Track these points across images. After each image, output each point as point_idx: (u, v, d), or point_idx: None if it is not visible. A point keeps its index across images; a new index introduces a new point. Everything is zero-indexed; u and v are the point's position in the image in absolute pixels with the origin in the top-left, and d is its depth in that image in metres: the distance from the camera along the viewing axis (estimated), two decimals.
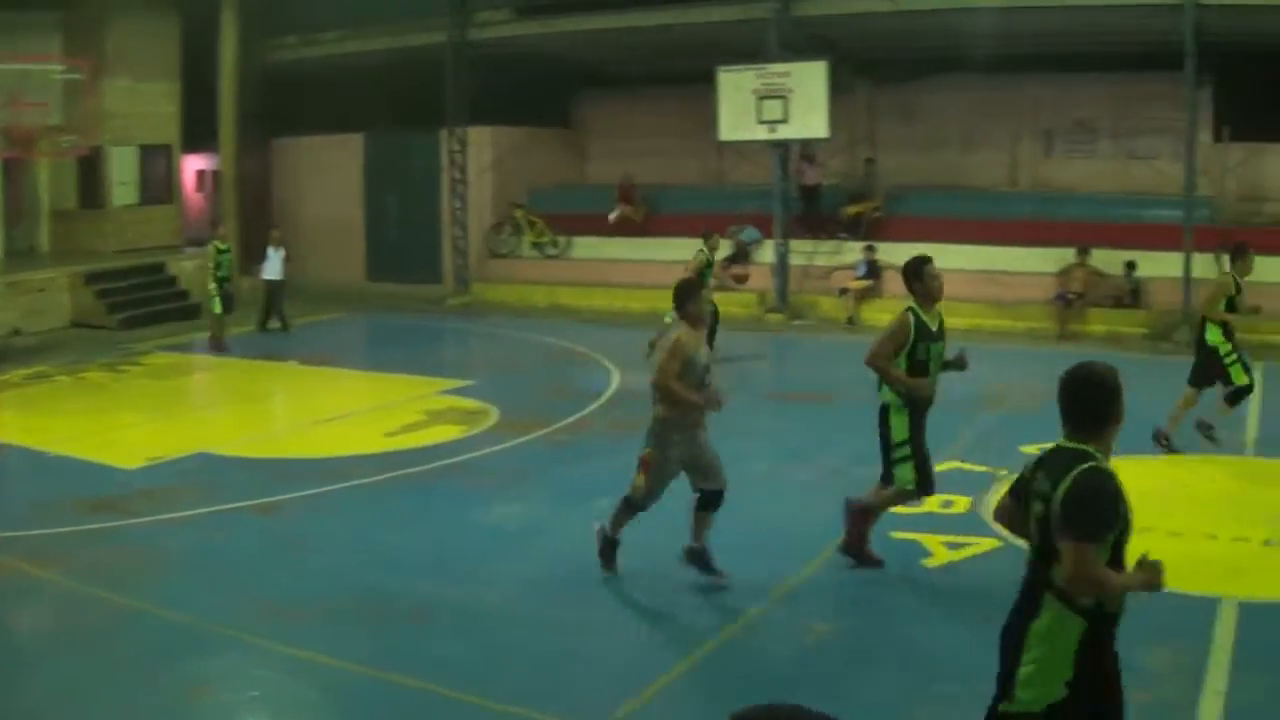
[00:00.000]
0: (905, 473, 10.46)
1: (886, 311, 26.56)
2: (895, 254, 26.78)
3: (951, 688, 8.03)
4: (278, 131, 34.88)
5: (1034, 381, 19.54)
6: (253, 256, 28.10)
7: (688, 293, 10.31)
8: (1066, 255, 26.27)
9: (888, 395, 10.50)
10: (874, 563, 10.58)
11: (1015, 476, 5.98)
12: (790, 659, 8.72)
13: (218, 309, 24.31)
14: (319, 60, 33.04)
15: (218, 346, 24.20)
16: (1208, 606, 9.50)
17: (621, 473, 11.59)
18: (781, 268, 28.32)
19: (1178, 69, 24.57)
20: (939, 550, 10.72)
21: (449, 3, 30.76)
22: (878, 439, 10.70)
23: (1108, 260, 26.16)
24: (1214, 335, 14.82)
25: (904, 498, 10.73)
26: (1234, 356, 14.72)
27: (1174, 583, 9.90)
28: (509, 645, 9.06)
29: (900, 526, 11.44)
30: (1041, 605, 5.61)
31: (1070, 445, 5.75)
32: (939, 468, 13.32)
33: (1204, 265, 24.57)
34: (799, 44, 27.18)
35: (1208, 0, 23.94)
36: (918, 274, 10.73)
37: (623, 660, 8.75)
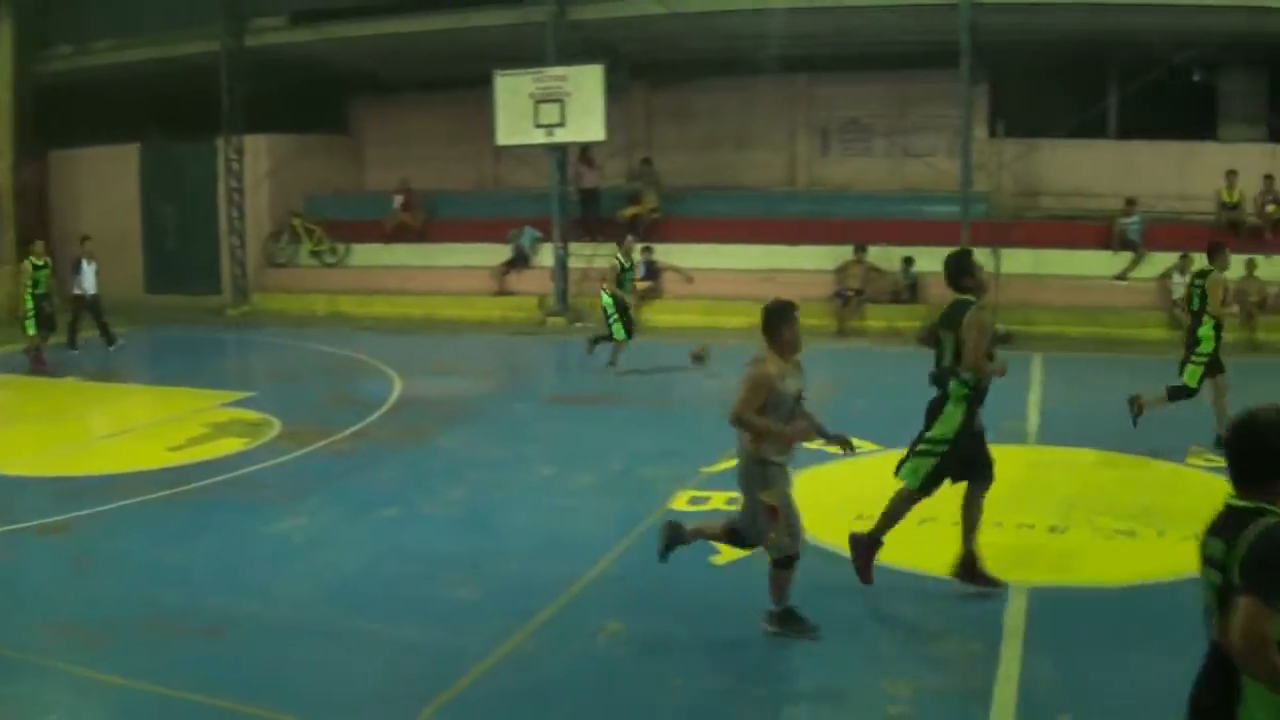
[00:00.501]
0: (918, 469, 9.97)
1: (667, 311, 26.84)
2: (674, 255, 27.04)
3: (733, 683, 8.06)
4: (55, 143, 33.92)
5: (814, 378, 19.83)
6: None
7: (781, 317, 9.21)
8: (844, 253, 26.69)
9: (955, 389, 9.97)
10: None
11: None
12: (583, 659, 8.67)
13: (31, 330, 23.33)
14: (94, 70, 32.14)
15: (37, 362, 23.24)
16: (997, 594, 9.62)
17: (406, 480, 11.42)
18: (561, 271, 28.35)
19: (953, 67, 25.13)
20: (726, 547, 10.74)
21: (223, 10, 30.16)
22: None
23: (885, 256, 26.66)
24: (1207, 331, 15.28)
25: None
26: (1203, 359, 15.21)
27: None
28: (302, 659, 8.85)
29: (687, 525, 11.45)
30: (1244, 692, 4.91)
31: (1241, 504, 5.05)
32: (720, 467, 13.50)
33: (980, 260, 25.01)
34: (576, 48, 27.23)
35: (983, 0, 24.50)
36: None
37: (416, 669, 8.59)
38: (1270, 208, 26.63)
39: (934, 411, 10.06)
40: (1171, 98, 26.86)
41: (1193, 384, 15.34)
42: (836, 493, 12.93)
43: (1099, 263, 26.82)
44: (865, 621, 9.30)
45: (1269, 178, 26.89)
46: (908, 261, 26.39)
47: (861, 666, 8.42)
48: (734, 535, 9.27)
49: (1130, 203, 26.82)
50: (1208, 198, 27.22)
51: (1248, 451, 5.05)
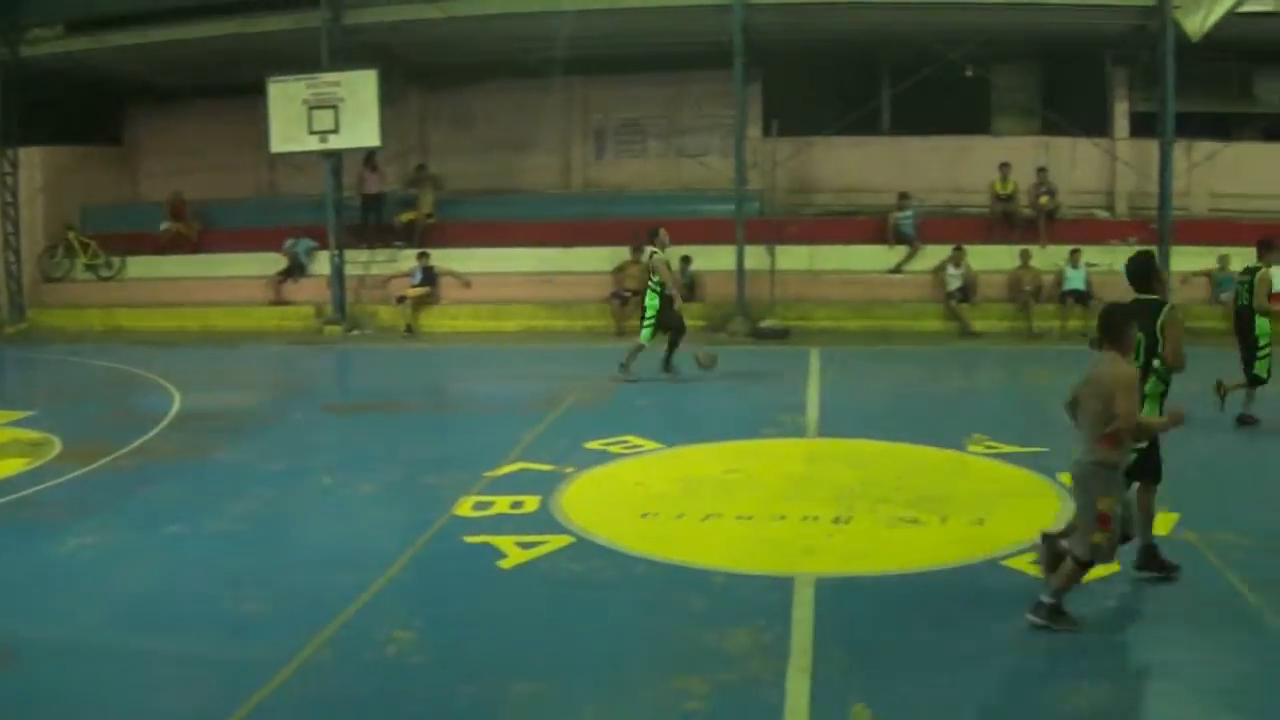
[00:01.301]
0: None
1: (445, 318, 26.53)
2: (452, 260, 26.74)
3: (534, 686, 7.82)
4: None
5: (594, 379, 19.73)
6: None
7: (1124, 320, 9.06)
8: (621, 254, 26.59)
9: (1152, 388, 10.01)
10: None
11: None
12: (375, 670, 8.35)
13: None
14: None
15: None
16: (784, 586, 9.52)
17: (190, 495, 10.97)
18: (338, 278, 27.83)
19: (726, 68, 25.28)
20: (513, 551, 10.48)
21: None
22: None
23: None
24: (1263, 328, 15.46)
25: None
26: (1267, 351, 15.45)
27: (748, 565, 10.07)
28: (93, 682, 8.36)
29: (472, 530, 11.19)
30: None
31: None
32: (503, 471, 13.33)
33: (756, 257, 25.26)
34: (352, 52, 26.80)
35: (755, 0, 24.59)
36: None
37: (210, 687, 8.17)
38: (1043, 199, 27.27)
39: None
40: (944, 93, 27.30)
41: (1264, 375, 15.83)
42: (620, 491, 12.78)
43: (874, 257, 27.17)
44: (654, 618, 9.14)
45: (1042, 170, 27.58)
46: (685, 260, 26.37)
47: (653, 664, 8.25)
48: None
49: (904, 197, 27.21)
50: (982, 191, 27.81)
51: None
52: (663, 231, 20.41)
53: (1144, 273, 10.31)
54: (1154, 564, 10.01)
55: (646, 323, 19.83)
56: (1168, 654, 8.58)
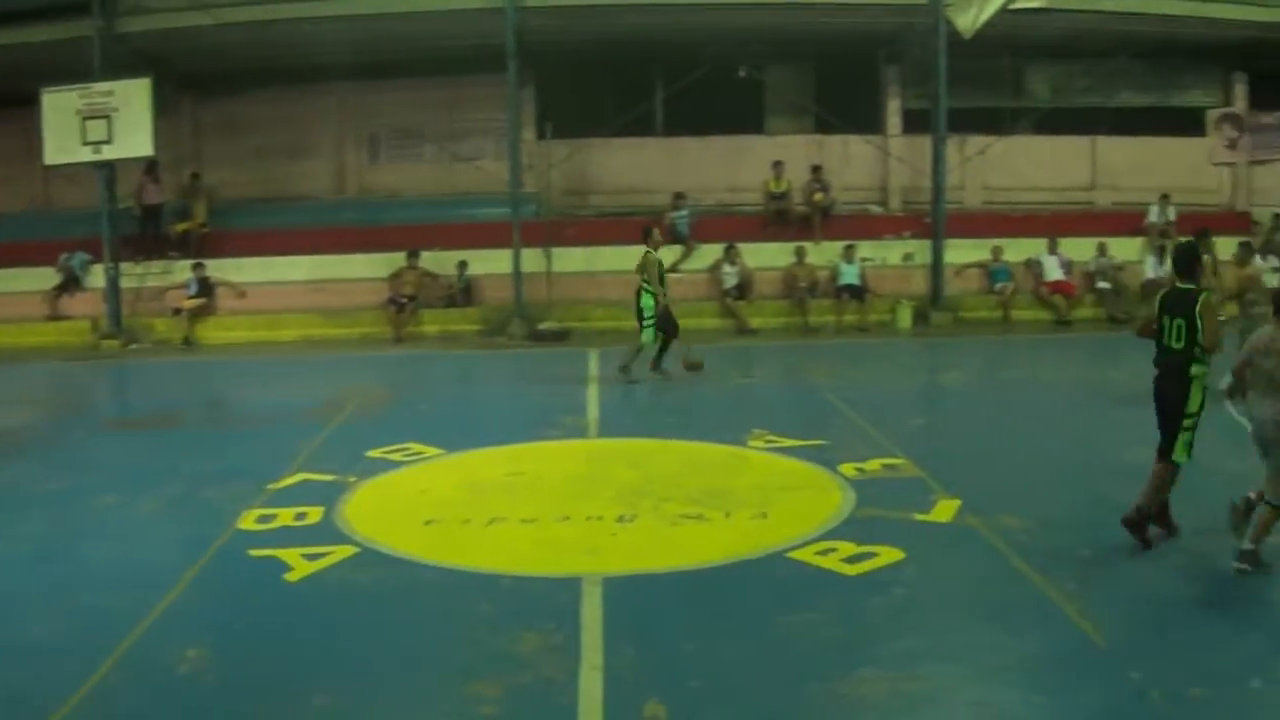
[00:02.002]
0: (1189, 443, 10.85)
1: (222, 329, 26.02)
2: (227, 270, 26.24)
3: (330, 700, 7.67)
4: None
5: (374, 386, 19.52)
6: None
7: None
8: (397, 259, 26.37)
9: (1197, 370, 10.70)
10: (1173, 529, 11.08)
11: None
12: (167, 690, 8.10)
13: None
14: None
15: None
16: (572, 586, 9.50)
17: None
18: (113, 292, 27.10)
19: (501, 71, 25.16)
20: (299, 563, 10.27)
21: None
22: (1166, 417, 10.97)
23: (439, 261, 26.47)
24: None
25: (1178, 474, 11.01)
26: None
27: (535, 567, 10.00)
28: None
29: (257, 544, 10.94)
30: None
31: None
32: (286, 482, 13.13)
33: (534, 260, 25.23)
34: (125, 61, 26.06)
35: (528, 3, 24.55)
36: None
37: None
38: (818, 196, 27.68)
39: (1170, 393, 10.95)
40: (718, 94, 27.62)
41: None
42: (404, 499, 12.62)
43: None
44: (444, 624, 9.05)
45: (816, 168, 27.98)
46: (461, 265, 26.23)
47: (446, 671, 8.17)
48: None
49: (679, 197, 27.37)
50: (756, 189, 28.15)
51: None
52: (656, 231, 20.52)
53: (1190, 262, 11.00)
54: (1166, 522, 11.05)
55: (646, 323, 19.70)
56: (954, 638, 8.71)
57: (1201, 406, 10.85)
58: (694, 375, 19.63)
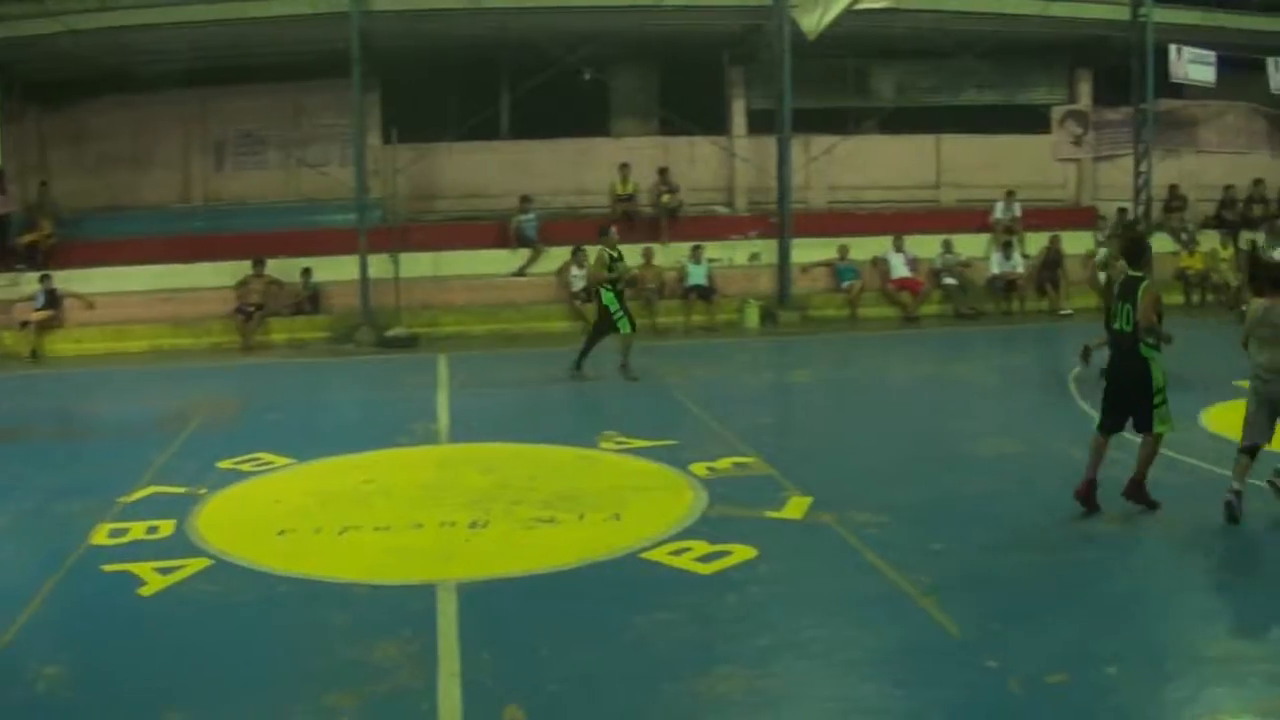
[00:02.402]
0: (1166, 415, 11.62)
1: (71, 341, 25.54)
2: (75, 281, 25.79)
3: (187, 715, 7.61)
4: None
5: (223, 396, 19.31)
6: None
7: None
8: (244, 268, 26.06)
9: (1147, 351, 11.50)
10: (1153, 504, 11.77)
11: None
12: (27, 707, 7.97)
13: None
14: None
15: None
16: (427, 594, 9.52)
17: None
18: None
19: (346, 76, 24.95)
20: (152, 578, 10.16)
21: None
22: (1131, 395, 11.65)
23: (285, 269, 26.18)
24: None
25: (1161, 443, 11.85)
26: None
27: (389, 576, 9.99)
28: None
29: (110, 559, 10.80)
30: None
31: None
32: (138, 495, 12.96)
33: (381, 266, 25.09)
34: None
35: (372, 8, 24.41)
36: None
37: None
38: (664, 197, 27.80)
39: (1131, 372, 11.72)
40: (564, 97, 27.62)
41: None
42: (256, 509, 12.52)
43: (497, 261, 27.25)
44: (300, 635, 9.00)
45: (662, 169, 28.06)
46: (306, 272, 26.02)
47: (303, 682, 8.11)
48: None
49: (525, 200, 27.35)
50: (603, 192, 28.20)
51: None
52: (613, 230, 20.74)
53: (1139, 252, 12.30)
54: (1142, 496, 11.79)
55: (616, 317, 19.88)
56: (810, 634, 8.81)
57: (1165, 380, 11.59)
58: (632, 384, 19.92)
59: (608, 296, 19.85)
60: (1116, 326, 11.74)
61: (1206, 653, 8.58)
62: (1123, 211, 29.89)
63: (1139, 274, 11.76)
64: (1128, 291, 11.67)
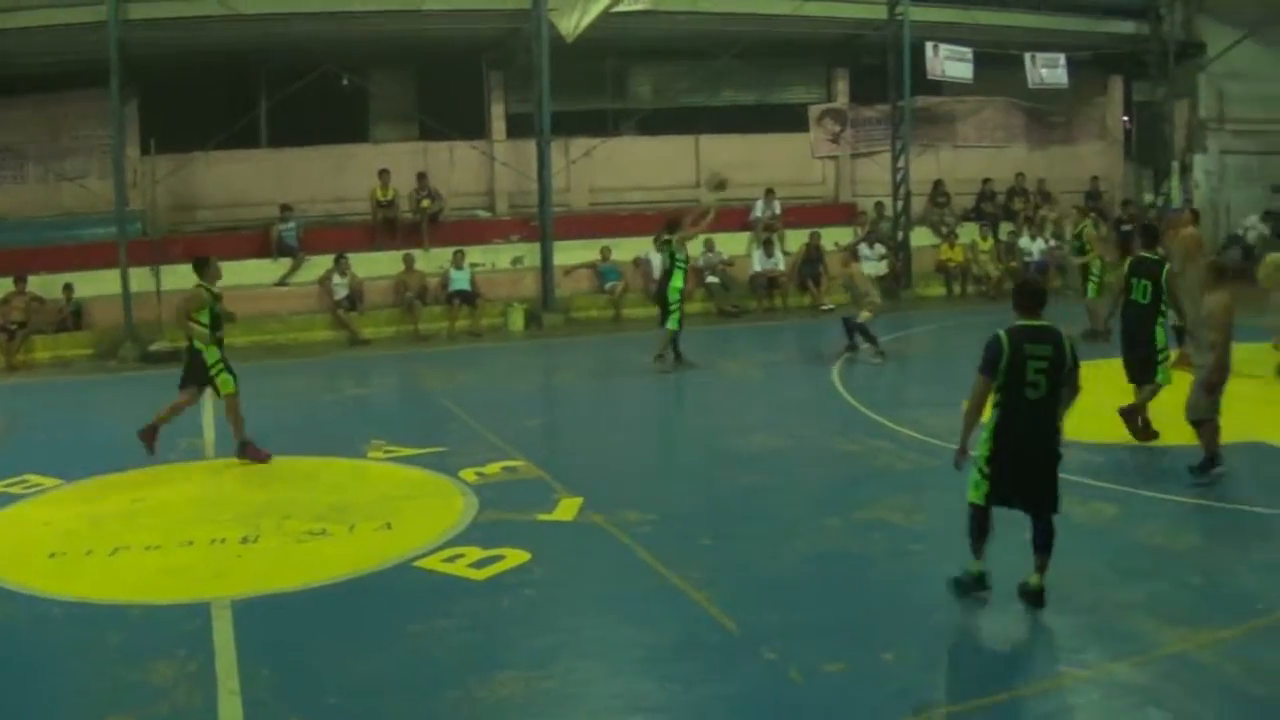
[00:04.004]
0: (1165, 373, 14.26)
1: None
2: None
3: None
4: None
5: None
6: None
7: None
8: (4, 285, 25.41)
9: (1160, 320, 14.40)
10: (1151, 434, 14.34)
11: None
12: None
13: None
14: None
15: None
16: (201, 612, 9.53)
17: None
18: None
19: (104, 86, 24.45)
20: None
21: None
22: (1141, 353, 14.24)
23: (47, 285, 25.59)
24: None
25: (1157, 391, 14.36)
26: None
27: (163, 595, 10.00)
28: None
29: None
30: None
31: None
32: None
33: (142, 279, 24.68)
34: None
35: (130, 16, 24.02)
36: None
37: None
38: (425, 202, 27.73)
39: (1139, 334, 14.35)
40: (323, 103, 27.44)
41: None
42: (26, 532, 12.31)
43: (260, 271, 26.84)
44: (76, 659, 8.91)
45: (422, 175, 27.98)
46: (68, 289, 25.49)
47: (82, 707, 8.08)
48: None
49: (286, 209, 27.06)
50: (363, 198, 27.98)
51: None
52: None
53: (1154, 236, 15.42)
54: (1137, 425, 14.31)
55: (672, 309, 20.40)
56: (588, 634, 9.10)
57: (1167, 341, 14.35)
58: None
59: (677, 282, 20.65)
60: (1134, 298, 14.31)
61: (983, 635, 9.14)
62: (880, 206, 30.81)
63: (1154, 255, 14.59)
64: (1146, 270, 14.32)
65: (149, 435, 14.75)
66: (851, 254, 24.11)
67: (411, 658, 8.66)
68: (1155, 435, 14.26)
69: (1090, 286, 22.83)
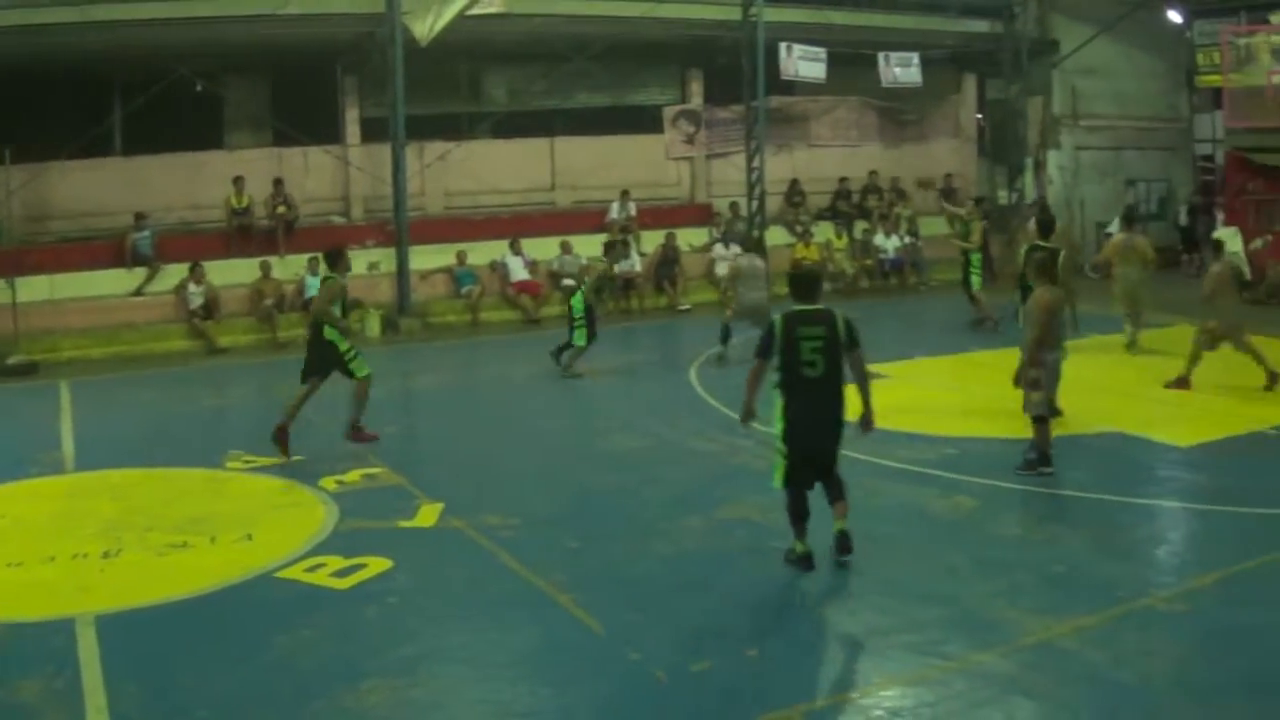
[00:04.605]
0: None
1: None
2: None
3: None
4: None
5: None
6: None
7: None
8: None
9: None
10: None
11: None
12: None
13: None
14: None
15: None
16: (65, 628, 9.49)
17: None
18: None
19: None
20: None
21: None
22: None
23: None
24: None
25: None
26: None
27: (26, 612, 9.98)
28: None
29: None
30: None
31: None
32: None
33: None
34: None
35: None
36: None
37: None
38: (280, 209, 27.47)
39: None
40: (177, 110, 27.12)
41: None
42: None
43: (115, 281, 26.43)
44: None
45: (278, 181, 27.74)
46: None
47: None
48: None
49: (140, 218, 26.71)
50: (218, 206, 27.70)
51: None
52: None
53: (1051, 227, 17.34)
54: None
55: (577, 324, 20.19)
56: (454, 640, 9.25)
57: None
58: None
59: (577, 301, 20.47)
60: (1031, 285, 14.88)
61: (847, 629, 9.40)
62: (735, 206, 31.11)
63: (1051, 245, 16.13)
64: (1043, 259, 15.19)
65: (281, 436, 15.11)
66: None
67: (278, 669, 8.71)
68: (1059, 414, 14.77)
69: (974, 279, 23.47)
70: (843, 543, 10.41)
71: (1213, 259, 19.39)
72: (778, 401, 10.46)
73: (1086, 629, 9.06)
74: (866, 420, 10.74)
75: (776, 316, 10.45)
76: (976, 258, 23.65)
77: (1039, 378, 13.17)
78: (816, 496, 10.53)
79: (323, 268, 17.94)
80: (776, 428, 10.50)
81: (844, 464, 10.67)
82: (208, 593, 10.41)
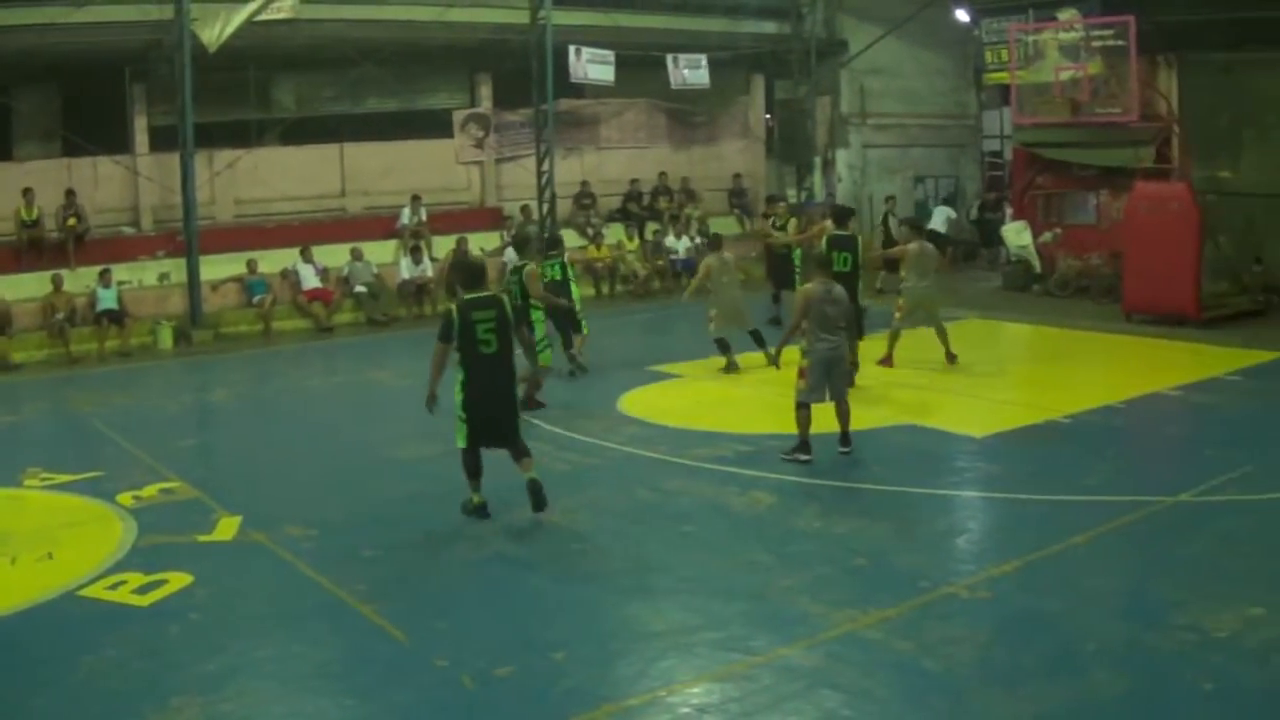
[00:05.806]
0: None
1: None
2: None
3: None
4: None
5: None
6: None
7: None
8: None
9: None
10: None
11: None
12: None
13: None
14: None
15: None
16: None
17: None
18: None
19: None
20: None
21: None
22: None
23: None
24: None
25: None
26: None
27: None
28: None
29: None
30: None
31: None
32: None
33: None
34: None
35: None
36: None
37: None
38: (71, 221, 26.97)
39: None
40: None
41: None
42: None
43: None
44: None
45: (70, 192, 27.26)
46: None
47: None
48: None
49: None
50: (8, 219, 27.13)
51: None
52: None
53: (845, 216, 19.80)
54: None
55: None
56: (259, 653, 9.34)
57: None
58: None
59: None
60: (837, 268, 16.60)
61: (652, 628, 9.63)
62: (525, 209, 31.38)
63: (849, 232, 18.83)
64: (844, 245, 18.31)
65: (530, 402, 16.91)
66: None
67: (86, 689, 8.73)
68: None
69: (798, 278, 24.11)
70: (536, 490, 12.36)
71: (911, 235, 20.25)
72: (457, 376, 12.27)
73: (890, 619, 9.48)
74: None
75: (452, 304, 12.26)
76: (799, 254, 23.70)
77: (803, 367, 14.01)
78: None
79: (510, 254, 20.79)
80: (456, 398, 12.32)
81: (642, 464, 11.11)
82: (11, 614, 10.35)
